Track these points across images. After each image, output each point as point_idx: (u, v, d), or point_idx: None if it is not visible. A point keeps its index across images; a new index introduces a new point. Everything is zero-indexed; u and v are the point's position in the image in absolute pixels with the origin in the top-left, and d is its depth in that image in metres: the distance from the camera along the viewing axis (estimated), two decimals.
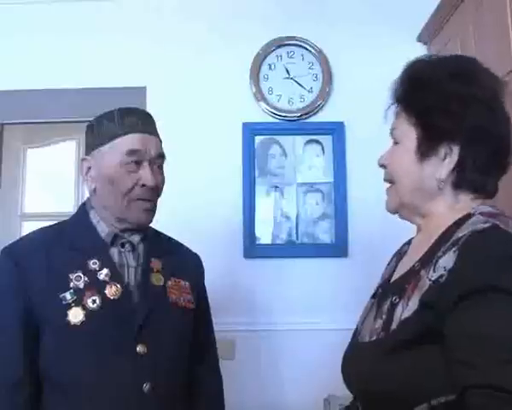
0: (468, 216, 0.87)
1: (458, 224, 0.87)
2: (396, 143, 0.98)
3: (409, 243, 1.06)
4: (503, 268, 0.75)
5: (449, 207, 0.92)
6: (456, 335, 0.75)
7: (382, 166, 1.01)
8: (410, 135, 0.94)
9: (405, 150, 0.95)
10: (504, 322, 0.72)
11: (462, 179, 0.91)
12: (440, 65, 0.95)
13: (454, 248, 0.81)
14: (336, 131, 2.33)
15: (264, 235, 2.32)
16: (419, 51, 2.30)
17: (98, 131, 1.26)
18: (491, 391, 0.69)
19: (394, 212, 1.01)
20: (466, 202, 0.92)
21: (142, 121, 1.26)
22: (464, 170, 0.90)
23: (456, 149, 0.89)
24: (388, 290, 0.96)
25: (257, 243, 2.31)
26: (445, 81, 0.90)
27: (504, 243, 0.79)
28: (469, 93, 0.89)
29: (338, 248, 2.29)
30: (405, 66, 0.98)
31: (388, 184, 1.01)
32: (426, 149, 0.92)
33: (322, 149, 2.36)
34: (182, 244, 1.44)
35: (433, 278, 0.82)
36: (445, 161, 0.90)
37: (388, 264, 1.10)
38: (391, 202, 1.01)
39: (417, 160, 0.93)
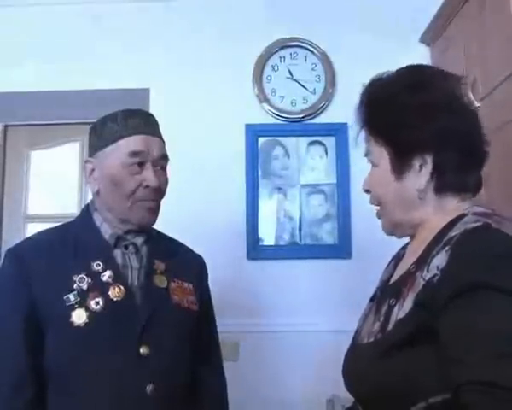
0: (462, 216, 0.88)
1: (451, 224, 0.87)
2: (374, 166, 1.00)
3: (404, 247, 1.06)
4: (494, 266, 0.76)
5: (437, 212, 0.93)
6: (449, 333, 0.76)
7: (366, 191, 1.02)
8: (383, 156, 0.96)
9: (383, 172, 0.96)
10: (494, 318, 0.73)
11: (442, 183, 0.92)
12: (394, 80, 0.97)
13: (446, 248, 0.82)
14: (339, 132, 2.32)
15: (267, 236, 2.32)
16: (422, 53, 2.30)
17: (101, 133, 1.26)
18: (481, 387, 0.70)
19: (390, 234, 1.02)
20: (454, 204, 0.92)
21: (145, 123, 1.27)
22: (442, 174, 0.91)
23: (429, 158, 0.91)
24: (386, 293, 0.97)
25: (260, 244, 2.31)
26: (401, 95, 0.92)
27: (495, 241, 0.80)
28: (425, 101, 0.90)
29: (341, 249, 2.29)
30: (362, 89, 1.00)
31: (377, 207, 1.02)
32: (400, 166, 0.93)
33: (326, 150, 2.36)
34: (185, 246, 1.44)
35: (426, 278, 0.83)
36: (422, 172, 0.92)
37: (387, 266, 1.11)
38: (385, 224, 1.02)
39: (395, 178, 0.94)
